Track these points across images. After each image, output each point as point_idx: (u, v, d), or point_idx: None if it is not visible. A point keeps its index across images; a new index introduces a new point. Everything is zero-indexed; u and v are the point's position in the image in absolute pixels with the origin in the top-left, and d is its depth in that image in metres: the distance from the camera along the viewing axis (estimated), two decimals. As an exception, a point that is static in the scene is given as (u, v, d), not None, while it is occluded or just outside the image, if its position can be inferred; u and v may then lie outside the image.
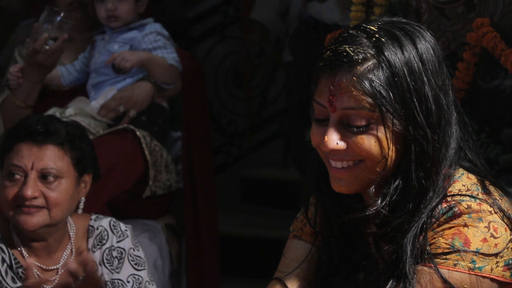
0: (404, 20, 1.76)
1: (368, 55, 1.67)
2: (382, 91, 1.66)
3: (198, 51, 5.26)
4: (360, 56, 1.67)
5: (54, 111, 3.28)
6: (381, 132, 1.68)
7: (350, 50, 1.67)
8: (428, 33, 1.75)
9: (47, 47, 3.19)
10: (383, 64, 1.67)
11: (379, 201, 1.70)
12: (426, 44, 1.71)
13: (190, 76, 3.55)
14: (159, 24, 3.42)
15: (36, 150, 2.48)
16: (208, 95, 4.08)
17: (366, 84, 1.66)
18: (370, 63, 1.67)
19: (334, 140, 1.69)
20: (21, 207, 2.46)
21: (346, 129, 1.69)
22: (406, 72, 1.68)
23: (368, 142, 1.68)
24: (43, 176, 2.47)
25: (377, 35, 1.69)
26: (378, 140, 1.68)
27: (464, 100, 2.68)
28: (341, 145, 1.69)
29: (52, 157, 2.48)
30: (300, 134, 4.52)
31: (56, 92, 3.43)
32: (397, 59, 1.68)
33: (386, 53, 1.67)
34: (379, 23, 1.73)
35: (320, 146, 1.72)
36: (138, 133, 3.28)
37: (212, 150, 3.79)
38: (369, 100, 1.66)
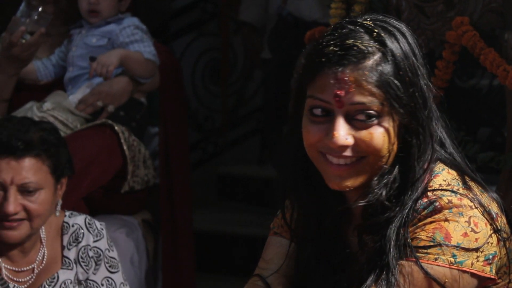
0: (388, 16, 1.77)
1: (374, 48, 1.67)
2: (391, 84, 1.66)
3: (176, 47, 5.25)
4: (368, 50, 1.67)
5: (31, 105, 3.27)
6: (388, 126, 1.68)
7: (358, 44, 1.67)
8: (409, 29, 1.76)
9: (24, 41, 3.18)
10: (388, 57, 1.67)
11: (383, 193, 1.69)
12: (412, 38, 1.73)
13: (168, 71, 3.54)
14: (137, 18, 3.42)
15: (15, 164, 2.44)
16: (185, 92, 4.07)
17: (376, 77, 1.66)
18: (376, 56, 1.67)
19: (343, 135, 1.67)
20: (3, 221, 2.43)
21: (352, 125, 1.68)
22: (406, 65, 1.68)
23: (376, 136, 1.67)
24: (23, 189, 2.44)
25: (376, 30, 1.69)
26: (385, 134, 1.68)
27: (442, 99, 2.69)
28: (350, 140, 1.67)
29: (30, 170, 2.45)
30: (277, 131, 4.53)
31: (32, 86, 3.42)
32: (398, 53, 1.69)
33: (388, 47, 1.68)
34: (370, 19, 1.73)
35: (326, 143, 1.68)
36: (116, 128, 3.27)
37: (188, 146, 3.79)
38: (379, 93, 1.66)
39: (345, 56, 1.66)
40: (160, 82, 3.50)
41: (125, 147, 3.27)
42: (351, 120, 1.68)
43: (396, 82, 1.66)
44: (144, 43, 3.36)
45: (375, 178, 1.70)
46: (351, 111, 1.67)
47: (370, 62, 1.66)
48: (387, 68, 1.67)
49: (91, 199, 3.29)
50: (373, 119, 1.67)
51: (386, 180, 1.70)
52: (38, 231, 2.49)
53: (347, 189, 1.71)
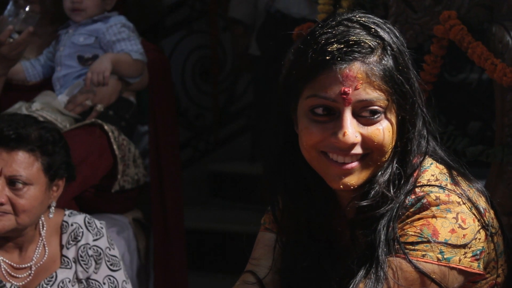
0: (366, 12, 1.76)
1: (375, 43, 1.67)
2: (395, 79, 1.66)
3: (165, 45, 5.25)
4: (371, 46, 1.66)
5: (20, 105, 3.26)
6: (392, 121, 1.68)
7: (362, 39, 1.66)
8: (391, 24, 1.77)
9: (11, 40, 3.17)
10: (388, 52, 1.67)
11: (388, 189, 1.68)
12: (398, 33, 1.73)
13: (157, 69, 3.54)
14: (123, 16, 3.42)
15: (6, 156, 2.44)
16: (175, 90, 4.07)
17: (383, 72, 1.65)
18: (378, 52, 1.67)
19: (353, 133, 1.65)
20: None
21: (358, 122, 1.66)
22: (402, 59, 1.69)
23: (382, 132, 1.67)
24: (12, 182, 2.44)
25: (372, 26, 1.69)
26: (390, 129, 1.67)
27: (431, 93, 2.69)
28: (359, 138, 1.67)
29: (21, 164, 2.45)
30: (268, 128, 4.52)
31: (20, 87, 3.41)
32: (395, 47, 1.69)
33: (387, 41, 1.68)
34: (358, 16, 1.72)
35: (332, 142, 1.66)
36: (105, 127, 3.27)
37: (178, 144, 3.79)
38: (386, 89, 1.65)
39: (352, 53, 1.65)
40: (149, 81, 3.49)
41: (115, 147, 3.27)
42: (356, 117, 1.66)
43: (399, 76, 1.66)
44: (131, 41, 3.35)
45: (379, 174, 1.69)
46: (357, 108, 1.66)
47: (375, 57, 1.66)
48: (390, 62, 1.67)
49: (82, 198, 3.28)
50: (379, 115, 1.66)
51: (388, 176, 1.69)
52: (26, 228, 2.48)
53: (351, 188, 1.69)
